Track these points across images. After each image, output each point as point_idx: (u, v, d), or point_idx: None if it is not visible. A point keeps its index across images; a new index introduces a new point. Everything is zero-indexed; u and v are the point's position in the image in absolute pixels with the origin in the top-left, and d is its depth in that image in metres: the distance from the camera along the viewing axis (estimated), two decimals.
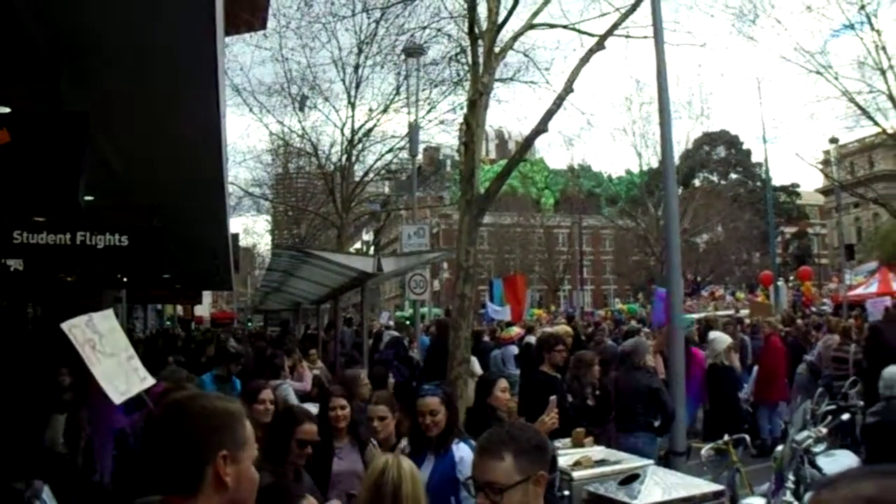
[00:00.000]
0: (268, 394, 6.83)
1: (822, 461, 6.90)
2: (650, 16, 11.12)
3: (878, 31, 31.47)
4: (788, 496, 6.39)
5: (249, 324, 56.42)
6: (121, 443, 8.47)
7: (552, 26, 14.92)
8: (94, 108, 6.04)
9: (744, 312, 26.58)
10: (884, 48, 31.45)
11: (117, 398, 6.06)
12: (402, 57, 23.30)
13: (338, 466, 6.04)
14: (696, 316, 23.34)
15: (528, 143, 15.04)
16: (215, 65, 5.82)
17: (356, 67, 26.08)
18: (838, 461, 7.35)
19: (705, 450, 8.21)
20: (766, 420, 14.12)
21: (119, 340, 6.24)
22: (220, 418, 2.35)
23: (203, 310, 48.90)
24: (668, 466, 8.34)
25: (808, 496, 5.31)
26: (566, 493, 6.51)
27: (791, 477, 6.47)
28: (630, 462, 7.12)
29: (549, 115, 13.31)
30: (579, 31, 14.73)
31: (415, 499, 3.92)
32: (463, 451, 5.25)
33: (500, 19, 13.89)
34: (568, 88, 13.30)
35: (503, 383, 7.22)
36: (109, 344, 6.09)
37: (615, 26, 13.70)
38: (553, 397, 6.71)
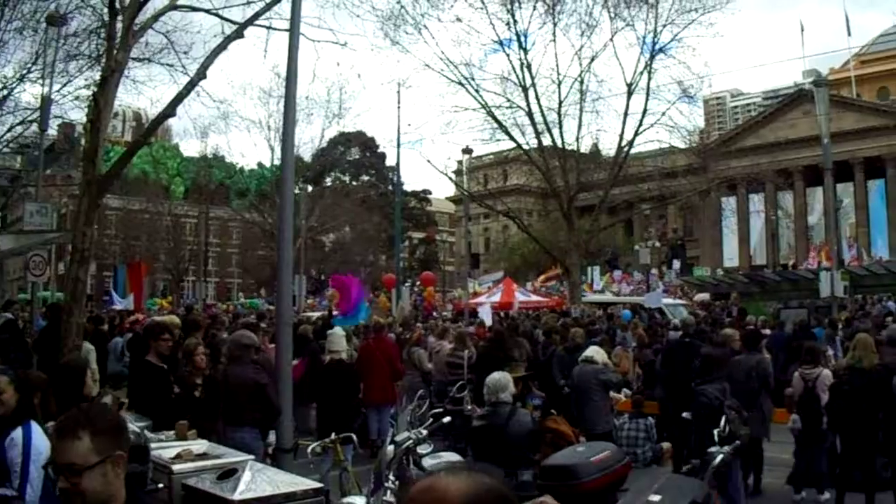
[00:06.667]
0: None
1: (427, 462, 7.06)
2: None
3: (525, 50, 33.45)
4: (389, 496, 6.46)
5: None
6: None
7: (195, 9, 14.76)
8: None
9: None
10: (529, 66, 33.45)
11: None
12: (44, 25, 22.29)
13: None
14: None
15: (153, 126, 15.17)
16: None
17: None
18: (444, 462, 7.55)
19: (312, 447, 8.25)
20: (375, 420, 14.32)
21: None
22: None
23: None
24: (274, 463, 8.32)
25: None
26: (160, 485, 6.24)
27: (392, 477, 6.55)
28: (231, 457, 6.97)
29: (179, 99, 13.31)
30: (221, 17, 14.49)
31: None
32: (16, 433, 4.88)
33: None
34: (201, 74, 13.28)
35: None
36: None
37: (257, 16, 13.75)
38: None
